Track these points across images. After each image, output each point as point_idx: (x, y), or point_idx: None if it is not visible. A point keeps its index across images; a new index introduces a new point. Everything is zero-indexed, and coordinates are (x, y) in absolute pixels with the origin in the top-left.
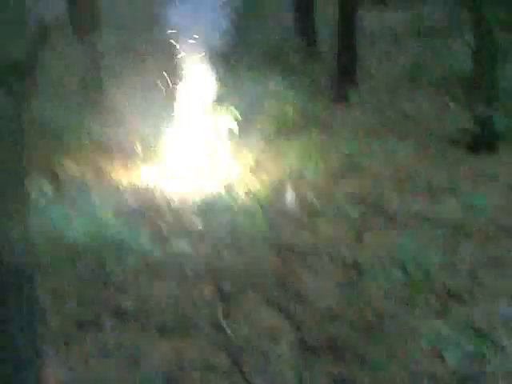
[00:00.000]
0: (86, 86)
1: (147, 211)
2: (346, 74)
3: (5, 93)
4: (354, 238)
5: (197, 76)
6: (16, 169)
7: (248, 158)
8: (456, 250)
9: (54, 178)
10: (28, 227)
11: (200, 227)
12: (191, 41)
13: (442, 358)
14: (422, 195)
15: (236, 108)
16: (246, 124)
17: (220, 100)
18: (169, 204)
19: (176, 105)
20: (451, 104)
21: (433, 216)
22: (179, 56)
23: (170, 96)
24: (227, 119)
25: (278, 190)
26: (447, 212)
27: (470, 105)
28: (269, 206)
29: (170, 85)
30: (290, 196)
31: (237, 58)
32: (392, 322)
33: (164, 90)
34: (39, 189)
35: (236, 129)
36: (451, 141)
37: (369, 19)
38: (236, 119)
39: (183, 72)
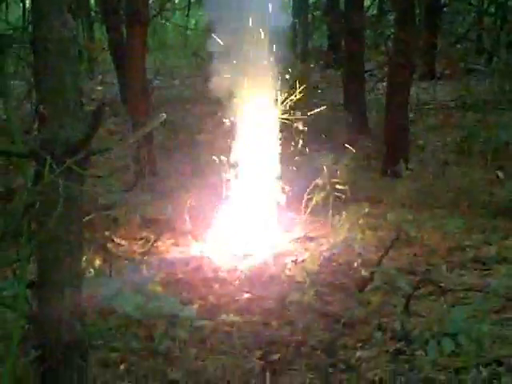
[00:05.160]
0: (139, 163)
1: (195, 282)
2: (396, 147)
3: (63, 174)
4: (404, 308)
5: (250, 152)
6: (72, 245)
7: (297, 228)
8: (507, 321)
9: (104, 253)
10: (80, 301)
11: (248, 297)
12: (246, 118)
13: None
14: (471, 266)
15: (286, 182)
16: (295, 197)
17: (270, 174)
18: (217, 275)
19: (228, 179)
20: (501, 175)
21: (483, 287)
22: (233, 132)
23: (224, 171)
24: (277, 193)
25: (327, 261)
26: (497, 282)
27: None
28: (317, 277)
29: (224, 160)
30: None
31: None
32: None
33: (218, 165)
34: (90, 263)
35: (285, 202)
36: (500, 211)
37: (418, 92)
38: (285, 193)
39: (237, 147)
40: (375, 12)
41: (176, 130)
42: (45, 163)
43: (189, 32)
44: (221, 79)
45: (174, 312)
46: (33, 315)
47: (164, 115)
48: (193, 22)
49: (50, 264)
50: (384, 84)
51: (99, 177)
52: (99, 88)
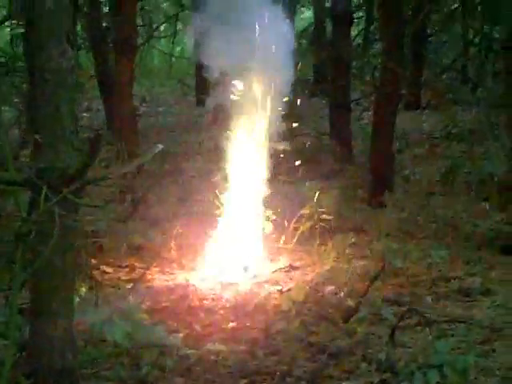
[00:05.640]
0: (129, 193)
1: (181, 311)
2: (381, 177)
3: (59, 204)
4: (389, 339)
5: (236, 181)
6: (67, 274)
7: (283, 258)
8: (492, 352)
9: (92, 281)
10: (72, 329)
11: (234, 326)
12: (233, 146)
13: None
14: (456, 297)
15: (272, 211)
16: (281, 226)
17: (257, 202)
18: (202, 303)
19: (218, 209)
20: (486, 206)
21: (468, 318)
22: (221, 159)
23: (212, 201)
24: (263, 221)
25: (313, 291)
26: (482, 314)
27: (503, 206)
28: (303, 307)
29: (212, 190)
30: None
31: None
32: None
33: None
34: (77, 292)
35: (271, 230)
36: (485, 242)
37: (403, 121)
38: (272, 221)
39: (224, 175)
40: (360, 41)
41: (163, 157)
42: (40, 192)
43: (174, 59)
44: (209, 106)
45: (161, 341)
46: (25, 343)
47: (161, 146)
48: (178, 49)
49: (43, 292)
50: (369, 113)
51: (96, 206)
52: (85, 115)
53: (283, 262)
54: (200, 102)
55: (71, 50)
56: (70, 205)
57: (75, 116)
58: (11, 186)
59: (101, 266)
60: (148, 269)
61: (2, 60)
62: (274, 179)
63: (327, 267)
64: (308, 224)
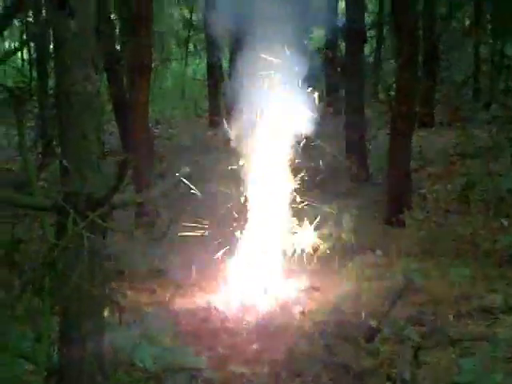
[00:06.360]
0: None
1: (203, 333)
2: (399, 196)
3: (88, 228)
4: (413, 358)
5: (256, 200)
6: (95, 298)
7: (303, 279)
8: None
9: (115, 305)
10: (101, 353)
11: (256, 348)
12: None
13: None
14: (478, 315)
15: (292, 232)
16: (301, 246)
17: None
18: (224, 326)
19: (235, 229)
20: (504, 223)
21: (490, 335)
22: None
23: (230, 222)
24: (284, 243)
25: (334, 311)
26: (504, 332)
27: None
28: (325, 327)
29: (231, 212)
30: None
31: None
32: None
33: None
34: None
35: (292, 251)
36: (505, 259)
37: (417, 140)
38: (292, 243)
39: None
40: (371, 60)
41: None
42: (67, 216)
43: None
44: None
45: (187, 364)
46: (54, 367)
47: (188, 169)
48: (190, 70)
49: (72, 317)
50: (383, 131)
51: (124, 231)
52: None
53: (304, 283)
54: (213, 124)
55: (95, 74)
56: (98, 229)
57: (101, 141)
58: (39, 211)
59: (120, 289)
60: (174, 294)
61: (22, 85)
62: (291, 200)
63: (348, 287)
64: (327, 244)
